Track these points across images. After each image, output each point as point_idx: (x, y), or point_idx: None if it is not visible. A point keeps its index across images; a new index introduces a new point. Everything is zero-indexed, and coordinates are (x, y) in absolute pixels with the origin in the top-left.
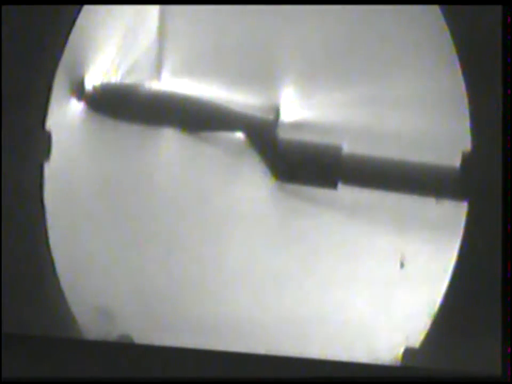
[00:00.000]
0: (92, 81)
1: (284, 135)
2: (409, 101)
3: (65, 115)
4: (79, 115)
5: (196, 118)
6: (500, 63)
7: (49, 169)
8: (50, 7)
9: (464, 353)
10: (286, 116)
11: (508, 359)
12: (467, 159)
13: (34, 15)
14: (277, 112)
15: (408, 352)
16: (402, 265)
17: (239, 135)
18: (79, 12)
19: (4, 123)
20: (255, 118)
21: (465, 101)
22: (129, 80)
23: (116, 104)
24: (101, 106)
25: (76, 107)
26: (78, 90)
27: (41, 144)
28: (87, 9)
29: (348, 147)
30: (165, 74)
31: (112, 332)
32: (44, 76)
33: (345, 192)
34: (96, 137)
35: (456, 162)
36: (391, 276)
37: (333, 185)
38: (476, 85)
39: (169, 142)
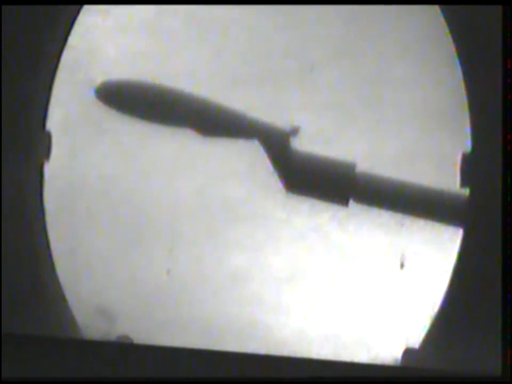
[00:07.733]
0: (103, 76)
1: (298, 146)
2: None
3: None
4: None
5: (211, 121)
6: (500, 63)
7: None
8: (50, 7)
9: (464, 353)
10: (302, 128)
11: (507, 359)
12: (467, 160)
13: (34, 15)
14: (293, 123)
15: (408, 352)
16: (402, 265)
17: (254, 143)
18: (79, 11)
19: (4, 123)
20: (271, 127)
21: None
22: (140, 78)
23: (129, 100)
24: (115, 101)
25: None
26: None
27: (41, 144)
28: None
29: (362, 163)
30: (184, 76)
31: (112, 332)
32: (45, 76)
33: None
34: (101, 133)
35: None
36: (391, 276)
37: (345, 202)
38: (476, 84)
39: (183, 141)
